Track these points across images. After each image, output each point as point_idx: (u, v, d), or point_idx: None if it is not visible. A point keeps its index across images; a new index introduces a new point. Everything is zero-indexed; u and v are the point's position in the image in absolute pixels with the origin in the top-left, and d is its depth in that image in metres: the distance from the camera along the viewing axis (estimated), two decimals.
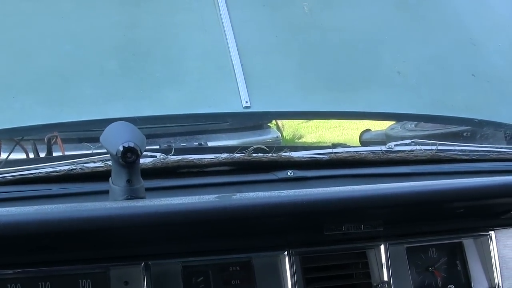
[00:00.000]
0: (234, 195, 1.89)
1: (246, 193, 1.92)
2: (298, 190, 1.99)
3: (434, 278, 2.21)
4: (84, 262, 1.92)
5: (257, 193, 1.92)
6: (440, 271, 2.22)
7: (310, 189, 1.97)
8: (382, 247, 2.13)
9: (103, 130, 1.97)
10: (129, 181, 1.87)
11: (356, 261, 2.15)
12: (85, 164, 2.35)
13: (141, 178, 1.92)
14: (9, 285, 1.86)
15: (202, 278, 2.01)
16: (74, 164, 2.35)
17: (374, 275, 2.13)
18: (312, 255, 2.10)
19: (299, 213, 1.81)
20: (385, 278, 2.11)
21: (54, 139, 3.44)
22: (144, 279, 1.94)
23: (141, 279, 1.94)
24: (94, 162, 2.37)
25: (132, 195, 1.87)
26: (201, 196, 1.93)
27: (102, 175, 2.20)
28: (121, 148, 1.83)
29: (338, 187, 2.03)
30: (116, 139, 1.86)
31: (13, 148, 3.03)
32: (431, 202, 1.98)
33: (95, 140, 2.48)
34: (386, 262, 2.12)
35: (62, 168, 2.31)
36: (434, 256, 2.22)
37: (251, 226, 1.96)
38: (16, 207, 1.82)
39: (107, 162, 2.31)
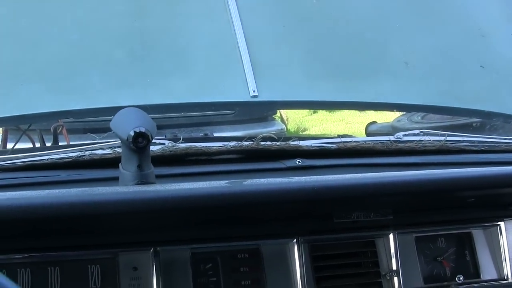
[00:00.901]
0: (245, 181, 1.88)
1: (257, 179, 1.91)
2: (309, 177, 1.98)
3: (442, 268, 2.20)
4: (93, 248, 1.92)
5: (268, 179, 1.91)
6: (449, 261, 2.21)
7: (321, 176, 1.96)
8: (391, 236, 2.13)
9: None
10: (139, 167, 1.86)
11: (365, 250, 2.14)
12: (93, 151, 2.34)
13: (151, 164, 1.92)
14: (18, 270, 1.86)
15: (210, 265, 2.00)
16: (82, 151, 2.34)
17: (383, 264, 2.13)
18: (321, 243, 2.09)
19: (309, 199, 1.81)
20: (394, 267, 2.11)
21: (60, 129, 3.43)
22: (153, 265, 1.94)
23: (150, 265, 1.94)
24: (103, 149, 2.36)
25: (143, 180, 1.87)
26: (212, 182, 1.93)
27: (111, 162, 2.20)
28: (132, 133, 1.82)
29: (349, 175, 2.02)
30: (127, 124, 1.86)
31: (20, 136, 3.02)
32: (441, 191, 1.97)
33: (100, 130, 2.48)
34: (394, 251, 2.12)
35: (70, 154, 2.31)
36: (443, 246, 2.22)
37: (260, 213, 1.96)
38: (27, 191, 1.81)
39: (116, 149, 2.30)
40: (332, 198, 1.84)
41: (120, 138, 1.88)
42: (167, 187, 1.81)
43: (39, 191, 1.82)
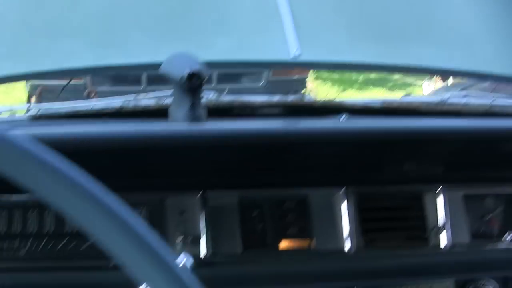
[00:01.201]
0: (301, 121, 1.85)
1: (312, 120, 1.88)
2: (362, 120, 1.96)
3: (490, 226, 2.17)
4: (141, 190, 1.90)
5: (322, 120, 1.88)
6: (498, 219, 2.18)
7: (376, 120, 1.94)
8: (439, 191, 2.10)
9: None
10: (192, 106, 1.84)
11: (412, 204, 2.12)
12: (137, 101, 2.32)
13: (201, 103, 1.90)
14: None
15: (258, 211, 1.98)
16: (127, 101, 2.32)
17: (430, 219, 2.10)
18: (369, 195, 2.07)
19: (363, 141, 1.78)
20: (441, 223, 2.08)
21: (93, 94, 3.43)
22: (200, 210, 1.92)
23: (197, 209, 1.93)
24: (148, 98, 2.35)
25: (195, 120, 1.85)
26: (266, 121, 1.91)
27: (155, 112, 2.18)
28: (186, 73, 1.80)
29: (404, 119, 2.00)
30: (181, 64, 1.85)
31: (64, 86, 2.99)
32: (496, 140, 1.92)
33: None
34: (443, 206, 2.09)
35: (113, 105, 2.29)
36: (492, 203, 2.18)
37: (310, 159, 1.93)
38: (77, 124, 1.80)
39: (161, 98, 2.28)
40: (385, 141, 1.81)
41: (172, 80, 1.86)
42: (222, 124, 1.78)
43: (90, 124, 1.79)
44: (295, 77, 7.39)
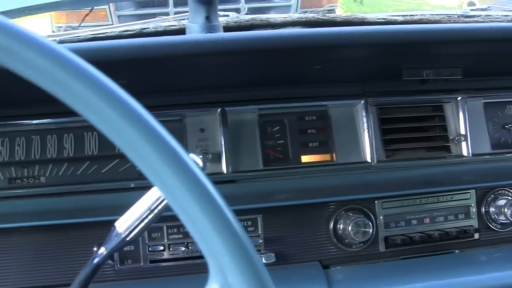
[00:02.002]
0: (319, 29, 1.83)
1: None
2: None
3: (510, 136, 2.17)
4: (160, 109, 1.92)
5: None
6: None
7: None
8: (459, 100, 2.10)
9: None
10: (207, 18, 1.85)
11: (433, 114, 2.12)
12: (158, 23, 2.32)
13: (219, 17, 1.90)
14: (85, 133, 1.88)
15: (278, 127, 1.99)
16: (146, 24, 2.33)
17: (451, 129, 2.10)
18: (389, 106, 2.07)
19: (382, 42, 1.76)
20: (462, 132, 2.08)
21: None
22: (220, 126, 1.93)
23: (217, 125, 1.94)
24: (168, 20, 2.35)
25: (211, 31, 1.85)
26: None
27: (175, 33, 2.18)
28: None
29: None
30: None
31: (86, 15, 3.01)
32: (510, 39, 1.89)
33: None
34: (463, 115, 2.09)
35: (134, 27, 2.29)
36: None
37: (329, 68, 1.93)
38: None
39: (181, 20, 2.29)
40: (403, 43, 1.79)
41: None
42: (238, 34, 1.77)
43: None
44: (326, 6, 7.28)
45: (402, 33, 1.77)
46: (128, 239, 1.21)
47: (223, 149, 1.93)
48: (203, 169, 1.06)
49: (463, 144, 2.08)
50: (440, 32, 1.78)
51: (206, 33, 1.84)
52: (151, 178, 0.75)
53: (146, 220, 1.19)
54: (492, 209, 2.09)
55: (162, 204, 1.18)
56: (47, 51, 0.72)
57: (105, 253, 1.23)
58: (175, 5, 6.20)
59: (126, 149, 0.75)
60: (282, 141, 1.99)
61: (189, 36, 1.76)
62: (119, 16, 6.52)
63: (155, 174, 0.75)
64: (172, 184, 0.74)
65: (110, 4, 6.16)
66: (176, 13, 6.02)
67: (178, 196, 0.74)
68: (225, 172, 1.92)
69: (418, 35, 1.77)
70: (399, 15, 2.45)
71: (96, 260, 1.24)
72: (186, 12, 2.21)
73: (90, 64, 0.75)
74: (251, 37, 1.68)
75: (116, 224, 1.22)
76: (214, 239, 0.74)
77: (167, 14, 6.14)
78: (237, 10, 5.71)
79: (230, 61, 1.77)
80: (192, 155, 1.09)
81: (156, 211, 1.19)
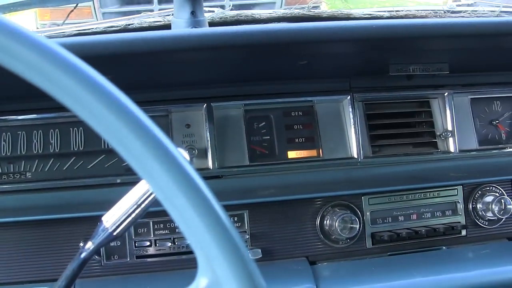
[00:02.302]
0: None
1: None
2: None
3: (498, 131, 2.17)
4: (146, 104, 1.91)
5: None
6: (504, 125, 2.18)
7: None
8: (446, 95, 2.10)
9: None
10: (193, 13, 1.84)
11: (420, 110, 2.12)
12: (142, 19, 2.31)
13: (204, 12, 1.89)
14: (71, 129, 1.87)
15: (264, 123, 1.99)
16: (131, 19, 2.32)
17: (438, 124, 2.10)
18: (376, 101, 2.07)
19: (369, 37, 1.75)
20: (449, 128, 2.08)
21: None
22: (206, 122, 1.92)
23: (203, 121, 1.93)
24: (153, 16, 2.34)
25: (196, 26, 1.84)
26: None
27: (161, 29, 2.16)
28: None
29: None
30: None
31: (70, 12, 2.99)
32: (496, 34, 1.88)
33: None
34: (450, 111, 2.09)
35: (119, 23, 2.28)
36: (499, 109, 2.18)
37: (315, 65, 1.92)
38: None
39: (166, 16, 2.27)
40: (389, 38, 1.79)
41: None
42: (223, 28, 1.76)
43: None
44: (310, 4, 7.27)
45: (389, 27, 1.76)
46: (115, 234, 1.19)
47: (209, 144, 1.92)
48: (190, 162, 1.05)
49: (450, 140, 2.08)
50: (427, 27, 1.78)
51: (191, 28, 1.83)
52: (139, 171, 0.74)
53: (133, 215, 1.18)
54: (479, 206, 2.09)
55: (149, 198, 1.17)
56: (35, 45, 0.71)
57: (92, 247, 1.22)
58: (160, 2, 6.19)
59: (114, 142, 0.74)
60: (268, 137, 1.99)
61: (174, 31, 1.75)
62: (103, 13, 6.49)
63: (143, 167, 0.74)
64: (160, 177, 0.73)
65: (95, 1, 6.13)
66: (160, 9, 6.00)
67: (166, 189, 0.74)
68: (211, 167, 1.91)
69: (405, 30, 1.76)
70: (385, 11, 2.45)
71: (83, 255, 1.22)
72: (171, 9, 2.20)
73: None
74: (237, 32, 1.67)
75: (103, 218, 1.21)
76: (203, 232, 0.73)
77: (151, 11, 6.11)
78: (222, 7, 5.69)
79: (216, 56, 1.76)
80: (179, 149, 1.08)
81: (143, 205, 1.17)
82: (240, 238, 0.74)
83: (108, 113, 0.73)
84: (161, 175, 0.73)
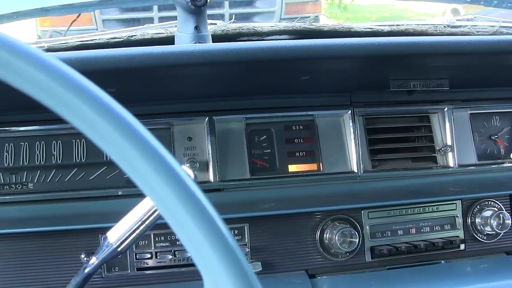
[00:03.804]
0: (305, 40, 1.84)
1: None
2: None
3: (496, 146, 2.19)
4: (148, 117, 1.92)
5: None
6: (503, 139, 2.19)
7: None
8: (446, 111, 2.11)
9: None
10: (196, 28, 1.85)
11: (419, 125, 2.14)
12: (145, 30, 2.32)
13: (207, 27, 1.90)
14: (73, 140, 1.89)
15: (265, 136, 2.00)
16: (134, 31, 2.33)
17: (437, 139, 2.12)
18: (376, 116, 2.09)
19: (370, 55, 1.77)
20: (448, 143, 2.09)
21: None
22: (208, 135, 1.93)
23: (204, 134, 1.94)
24: (155, 28, 2.35)
25: (200, 41, 1.86)
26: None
27: (163, 41, 2.18)
28: None
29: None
30: None
31: (73, 22, 2.99)
32: (496, 52, 1.90)
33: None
34: (449, 126, 2.10)
35: (122, 34, 2.29)
36: (498, 124, 2.20)
37: (317, 80, 1.94)
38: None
39: (168, 28, 2.29)
40: (391, 55, 1.80)
41: (176, 2, 1.86)
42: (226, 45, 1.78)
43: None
44: (309, 14, 7.29)
45: (391, 45, 1.77)
46: (119, 249, 1.21)
47: (211, 157, 1.93)
48: (195, 180, 1.07)
49: (449, 154, 2.09)
50: (427, 45, 1.79)
51: (195, 42, 1.84)
52: (145, 190, 0.76)
53: (137, 231, 1.19)
54: (478, 220, 2.10)
55: (154, 215, 1.18)
56: (37, 61, 0.72)
57: (96, 263, 1.23)
58: (160, 10, 6.21)
59: (121, 163, 0.75)
60: (269, 150, 2.00)
61: (179, 47, 1.76)
62: (103, 20, 6.52)
63: (149, 186, 0.75)
64: (165, 197, 0.75)
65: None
66: (160, 17, 6.03)
67: (172, 209, 0.75)
68: (212, 180, 1.92)
69: (406, 48, 1.78)
70: (385, 25, 2.46)
71: (87, 270, 1.24)
72: (170, 16, 2.21)
73: (82, 75, 0.75)
74: (240, 48, 1.68)
75: (108, 234, 1.22)
76: (208, 251, 0.74)
77: (151, 18, 6.14)
78: (221, 16, 5.71)
79: (219, 71, 1.77)
80: (184, 167, 1.09)
81: (147, 222, 1.19)
82: (244, 256, 0.75)
83: (114, 132, 0.74)
84: (166, 195, 0.75)
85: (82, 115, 0.74)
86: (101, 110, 0.74)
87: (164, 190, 0.75)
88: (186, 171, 1.07)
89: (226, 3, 6.62)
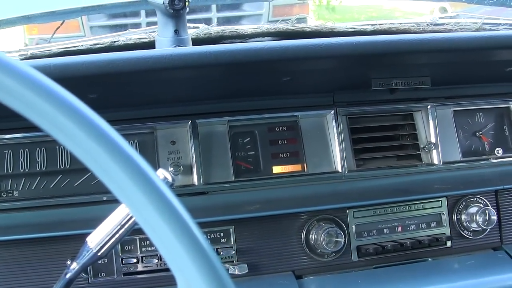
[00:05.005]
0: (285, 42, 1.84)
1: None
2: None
3: (481, 143, 2.19)
4: (131, 122, 1.92)
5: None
6: (488, 135, 2.19)
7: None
8: (429, 108, 2.11)
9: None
10: (176, 32, 1.85)
11: (403, 123, 2.14)
12: (128, 36, 2.32)
13: (187, 30, 1.91)
14: (57, 147, 1.89)
15: (248, 138, 2.00)
16: (116, 37, 2.33)
17: (421, 137, 2.12)
18: (359, 115, 2.09)
19: (350, 54, 1.77)
20: (433, 140, 2.10)
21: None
22: (191, 138, 1.94)
23: (188, 137, 1.95)
24: (138, 33, 2.35)
25: (180, 45, 1.86)
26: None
27: (146, 46, 2.18)
28: None
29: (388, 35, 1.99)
30: None
31: (57, 29, 2.99)
32: (476, 49, 1.90)
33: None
34: (433, 124, 2.11)
35: (105, 40, 2.29)
36: (481, 120, 2.20)
37: (299, 81, 1.94)
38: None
39: (151, 33, 2.29)
40: (370, 54, 1.80)
41: (156, 6, 1.86)
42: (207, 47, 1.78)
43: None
44: (296, 16, 7.25)
45: (370, 44, 1.78)
46: (99, 254, 1.21)
47: (194, 161, 1.93)
48: (172, 183, 1.07)
49: (434, 152, 2.10)
50: (407, 42, 1.80)
51: (175, 46, 1.84)
52: (119, 196, 0.76)
53: (117, 235, 1.19)
54: (464, 217, 2.11)
55: (132, 219, 1.18)
56: (4, 67, 0.72)
57: (77, 268, 1.23)
58: (147, 15, 6.22)
59: (95, 170, 0.75)
60: (253, 152, 2.00)
61: (157, 51, 1.76)
62: (91, 27, 6.52)
63: (122, 192, 0.75)
64: (138, 202, 0.75)
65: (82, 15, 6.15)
66: (148, 23, 6.02)
67: (145, 214, 0.75)
68: (196, 184, 1.93)
69: (386, 46, 1.78)
70: (368, 24, 2.46)
71: (68, 275, 1.24)
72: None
73: (58, 81, 0.75)
74: (218, 50, 1.68)
75: (88, 239, 1.22)
76: (181, 255, 0.75)
77: (139, 24, 6.14)
78: (209, 20, 5.71)
79: (199, 74, 1.77)
80: (162, 171, 1.09)
81: (126, 226, 1.19)
82: (218, 260, 0.75)
83: (85, 137, 0.74)
84: (139, 201, 0.75)
85: (53, 120, 0.74)
86: (71, 115, 0.74)
87: (135, 192, 0.75)
88: (163, 175, 1.07)
89: (214, 7, 6.63)
